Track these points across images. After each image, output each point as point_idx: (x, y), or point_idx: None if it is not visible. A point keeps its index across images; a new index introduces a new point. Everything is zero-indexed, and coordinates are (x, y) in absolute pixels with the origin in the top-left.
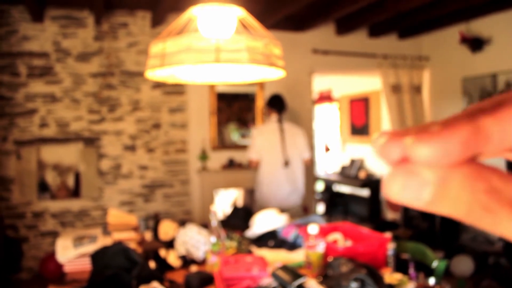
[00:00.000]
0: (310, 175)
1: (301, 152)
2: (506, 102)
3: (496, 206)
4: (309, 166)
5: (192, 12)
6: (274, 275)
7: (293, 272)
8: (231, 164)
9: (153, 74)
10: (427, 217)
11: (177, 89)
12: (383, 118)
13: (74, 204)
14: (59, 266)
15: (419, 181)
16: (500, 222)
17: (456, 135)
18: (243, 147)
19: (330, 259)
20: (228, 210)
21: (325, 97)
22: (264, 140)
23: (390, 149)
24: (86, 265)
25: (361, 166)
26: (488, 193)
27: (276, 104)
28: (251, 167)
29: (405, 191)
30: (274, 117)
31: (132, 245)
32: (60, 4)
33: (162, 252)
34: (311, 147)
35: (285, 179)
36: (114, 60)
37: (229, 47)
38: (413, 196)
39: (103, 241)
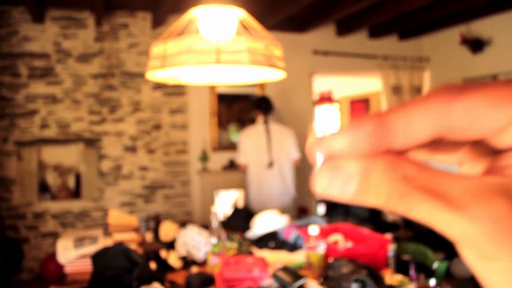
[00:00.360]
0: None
1: (289, 152)
2: (412, 101)
3: (410, 192)
4: (299, 166)
5: (193, 14)
6: (275, 276)
7: (294, 273)
8: (231, 165)
9: (154, 75)
10: None
11: (177, 90)
12: None
13: (75, 205)
14: (60, 267)
15: (344, 175)
16: (414, 206)
17: (363, 128)
18: None
19: (330, 260)
20: (229, 211)
21: (326, 98)
22: (250, 142)
23: (316, 145)
24: (87, 266)
25: None
26: (403, 181)
27: (261, 105)
28: (241, 170)
29: (332, 186)
30: (260, 118)
31: (133, 246)
32: (61, 5)
33: (163, 253)
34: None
35: (273, 180)
36: (115, 61)
37: (230, 48)
38: (340, 190)
39: (103, 242)
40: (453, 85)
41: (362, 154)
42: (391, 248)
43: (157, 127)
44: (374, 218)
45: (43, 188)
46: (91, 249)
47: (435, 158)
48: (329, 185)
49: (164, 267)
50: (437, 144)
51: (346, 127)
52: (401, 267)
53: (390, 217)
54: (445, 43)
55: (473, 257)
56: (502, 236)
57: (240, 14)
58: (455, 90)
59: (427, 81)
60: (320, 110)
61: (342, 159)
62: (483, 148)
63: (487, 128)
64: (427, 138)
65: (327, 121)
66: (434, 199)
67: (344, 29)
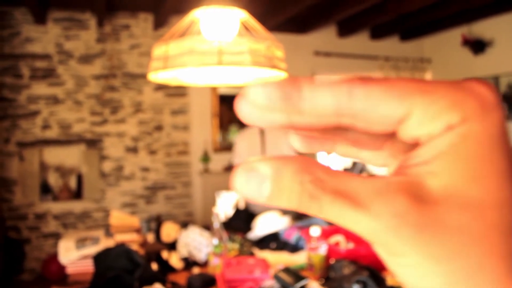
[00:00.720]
0: None
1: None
2: (326, 80)
3: (320, 194)
4: None
5: (195, 15)
6: (276, 277)
7: (295, 274)
8: (232, 166)
9: (156, 76)
10: None
11: (179, 91)
12: None
13: (76, 206)
14: (62, 268)
15: (258, 177)
16: (324, 208)
17: (280, 84)
18: None
19: (332, 261)
20: (230, 212)
21: None
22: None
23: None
24: (88, 266)
25: (363, 168)
26: (313, 183)
27: None
28: None
29: (248, 187)
30: None
31: (134, 247)
32: (63, 6)
33: (164, 254)
34: None
35: None
36: (116, 62)
37: (232, 50)
38: (255, 192)
39: (105, 243)
40: (364, 76)
41: (276, 157)
42: None
43: (159, 128)
44: None
45: (45, 189)
46: (93, 250)
47: (361, 156)
48: (245, 186)
49: (166, 268)
50: (357, 136)
51: (266, 82)
52: None
53: None
54: (446, 44)
55: (384, 254)
56: (404, 231)
57: (242, 15)
58: (363, 78)
59: None
60: None
61: (257, 161)
62: (402, 148)
63: (385, 116)
64: (330, 114)
65: None
66: (342, 199)
67: (345, 30)
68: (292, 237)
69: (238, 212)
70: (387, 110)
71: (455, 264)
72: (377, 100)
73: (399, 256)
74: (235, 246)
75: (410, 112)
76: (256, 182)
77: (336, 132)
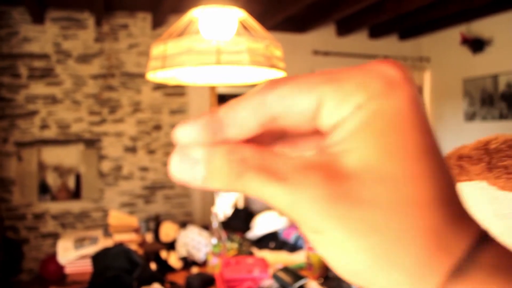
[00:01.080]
0: None
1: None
2: (240, 97)
3: (245, 171)
4: None
5: (193, 14)
6: (275, 277)
7: (294, 273)
8: None
9: (154, 75)
10: None
11: (177, 91)
12: None
13: (75, 206)
14: (60, 268)
15: (191, 161)
16: (248, 183)
17: (200, 122)
18: None
19: None
20: (229, 212)
21: None
22: None
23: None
24: (87, 266)
25: None
26: (239, 163)
27: None
28: None
29: (183, 171)
30: None
31: (133, 247)
32: (61, 5)
33: (163, 254)
34: None
35: None
36: (115, 61)
37: (230, 49)
38: (190, 176)
39: (104, 243)
40: (274, 79)
41: (208, 143)
42: None
43: (157, 127)
44: None
45: (43, 189)
46: (91, 249)
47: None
48: (180, 171)
49: (165, 267)
50: (293, 139)
51: (187, 121)
52: None
53: None
54: (445, 43)
55: (307, 232)
56: (319, 204)
57: (240, 14)
58: (273, 82)
59: (427, 81)
60: None
61: (190, 146)
62: None
63: (301, 112)
64: (256, 127)
65: None
66: (264, 174)
67: (344, 29)
68: (291, 236)
69: (237, 211)
70: (301, 105)
71: (373, 239)
72: (288, 99)
73: (319, 232)
74: (234, 245)
75: (321, 102)
76: (190, 166)
77: (276, 140)
